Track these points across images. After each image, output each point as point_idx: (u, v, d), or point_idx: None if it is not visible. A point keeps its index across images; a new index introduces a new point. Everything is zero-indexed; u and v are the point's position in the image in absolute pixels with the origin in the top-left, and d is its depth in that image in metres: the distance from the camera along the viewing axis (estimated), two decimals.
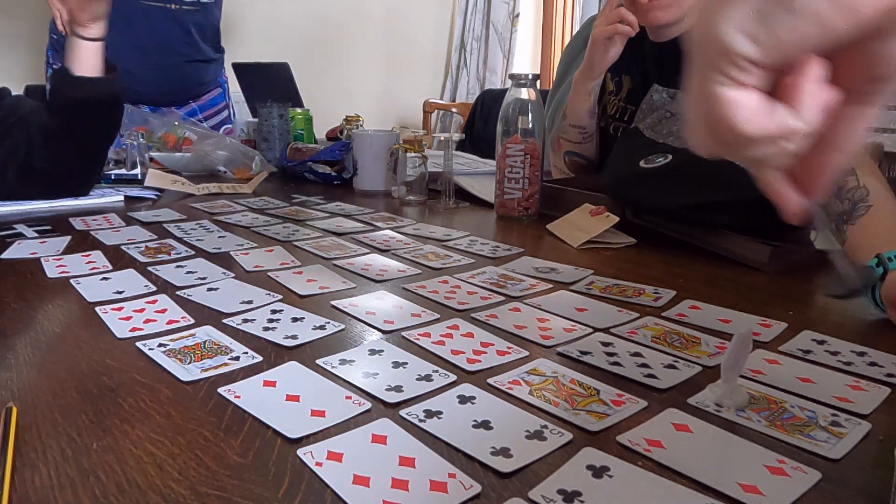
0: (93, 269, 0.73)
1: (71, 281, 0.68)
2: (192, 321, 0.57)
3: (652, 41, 1.13)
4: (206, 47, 1.92)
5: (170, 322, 0.57)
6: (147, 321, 0.57)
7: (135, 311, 0.60)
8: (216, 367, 0.48)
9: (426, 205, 1.15)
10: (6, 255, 0.78)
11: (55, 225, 0.93)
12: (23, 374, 0.47)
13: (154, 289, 0.66)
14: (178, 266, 0.74)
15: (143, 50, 1.78)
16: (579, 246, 0.86)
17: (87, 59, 1.03)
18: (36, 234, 0.87)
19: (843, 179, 0.71)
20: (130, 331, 0.55)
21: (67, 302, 0.62)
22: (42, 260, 0.75)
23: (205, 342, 0.53)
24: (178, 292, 0.65)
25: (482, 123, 2.87)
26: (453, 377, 0.47)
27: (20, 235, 0.87)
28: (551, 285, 0.70)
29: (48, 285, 0.68)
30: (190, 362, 0.49)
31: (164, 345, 0.52)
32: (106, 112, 1.07)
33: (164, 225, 0.95)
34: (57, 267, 0.73)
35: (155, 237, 0.87)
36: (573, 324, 0.59)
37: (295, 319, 0.58)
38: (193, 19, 1.85)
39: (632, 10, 1.07)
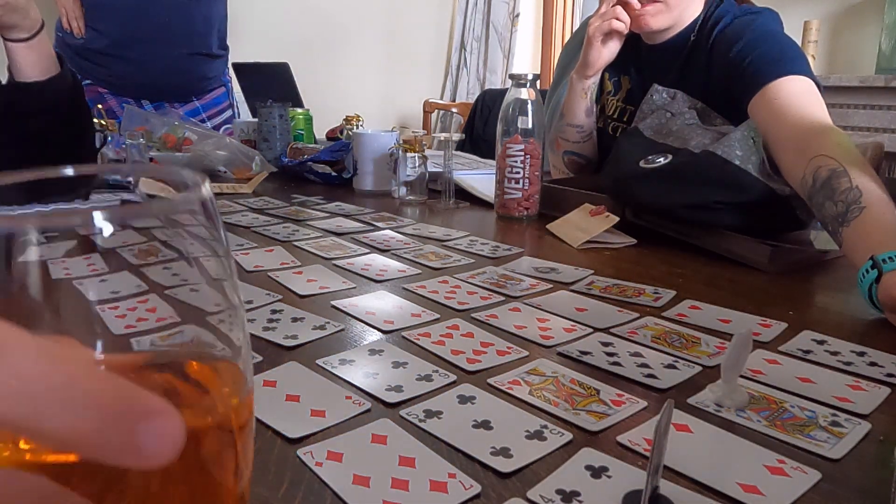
0: (93, 270, 0.73)
1: (73, 282, 0.68)
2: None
3: (647, 44, 1.13)
4: (212, 41, 1.92)
5: (160, 320, 0.57)
6: (140, 319, 0.57)
7: (129, 309, 0.60)
8: None
9: (426, 205, 1.15)
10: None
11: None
12: None
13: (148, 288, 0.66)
14: None
15: (146, 40, 1.78)
16: (579, 246, 0.86)
17: (24, 62, 0.96)
18: (45, 240, 0.87)
19: (837, 181, 0.71)
20: (125, 327, 0.55)
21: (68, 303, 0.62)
22: (48, 262, 0.75)
23: None
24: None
25: (482, 123, 2.87)
26: (453, 377, 0.47)
27: (27, 240, 0.87)
28: (551, 285, 0.70)
29: (52, 286, 0.68)
30: None
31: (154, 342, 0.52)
32: (53, 114, 1.00)
33: None
34: (63, 269, 0.73)
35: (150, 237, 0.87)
36: (573, 324, 0.59)
37: (295, 319, 0.58)
38: (199, 10, 1.85)
39: (625, 10, 1.07)
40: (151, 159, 1.37)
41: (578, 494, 0.34)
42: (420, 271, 0.74)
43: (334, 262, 0.77)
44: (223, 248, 0.22)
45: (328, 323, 0.57)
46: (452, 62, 4.03)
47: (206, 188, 0.21)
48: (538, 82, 1.02)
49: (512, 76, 1.02)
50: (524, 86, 1.01)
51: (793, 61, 0.93)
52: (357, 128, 1.59)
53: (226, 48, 2.01)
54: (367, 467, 0.36)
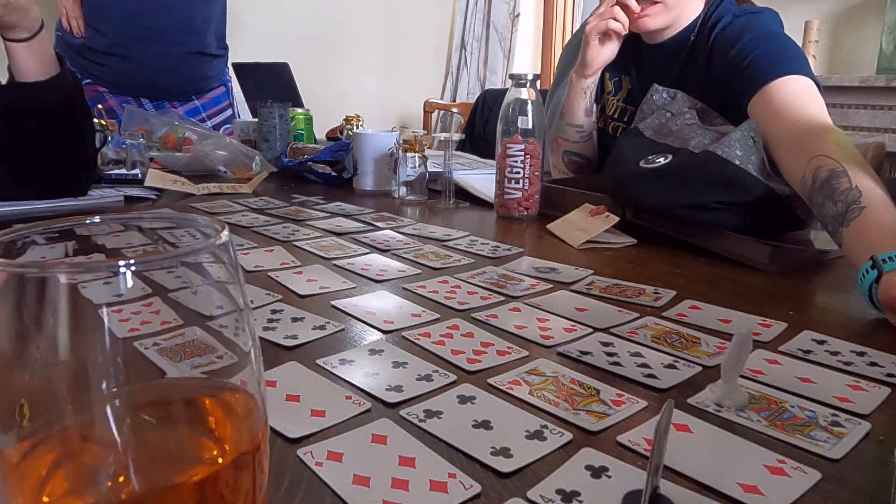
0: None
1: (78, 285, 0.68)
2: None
3: (647, 43, 1.13)
4: (210, 40, 1.92)
5: (163, 323, 0.57)
6: (144, 322, 0.57)
7: (133, 313, 0.60)
8: None
9: (426, 205, 1.15)
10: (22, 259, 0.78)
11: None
12: None
13: (150, 290, 0.66)
14: None
15: (145, 39, 1.78)
16: (579, 246, 0.86)
17: (24, 62, 0.96)
18: (45, 241, 0.87)
19: (837, 181, 0.71)
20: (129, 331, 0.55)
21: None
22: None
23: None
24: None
25: (482, 123, 2.87)
26: (453, 377, 0.47)
27: (32, 242, 0.86)
28: (551, 285, 0.70)
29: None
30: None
31: (158, 343, 0.52)
32: (53, 114, 1.00)
33: None
34: None
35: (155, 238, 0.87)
36: (573, 324, 0.59)
37: (295, 319, 0.58)
38: (198, 10, 1.85)
39: (624, 12, 1.07)
40: (152, 159, 1.37)
41: (578, 494, 0.34)
42: (420, 271, 0.74)
43: (334, 262, 0.77)
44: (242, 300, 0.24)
45: (328, 323, 0.57)
46: (452, 62, 4.03)
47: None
48: (538, 82, 1.02)
49: (512, 76, 1.02)
50: (524, 86, 1.01)
51: (793, 61, 0.93)
52: (357, 128, 1.59)
53: (225, 47, 2.01)
54: (367, 467, 0.36)
